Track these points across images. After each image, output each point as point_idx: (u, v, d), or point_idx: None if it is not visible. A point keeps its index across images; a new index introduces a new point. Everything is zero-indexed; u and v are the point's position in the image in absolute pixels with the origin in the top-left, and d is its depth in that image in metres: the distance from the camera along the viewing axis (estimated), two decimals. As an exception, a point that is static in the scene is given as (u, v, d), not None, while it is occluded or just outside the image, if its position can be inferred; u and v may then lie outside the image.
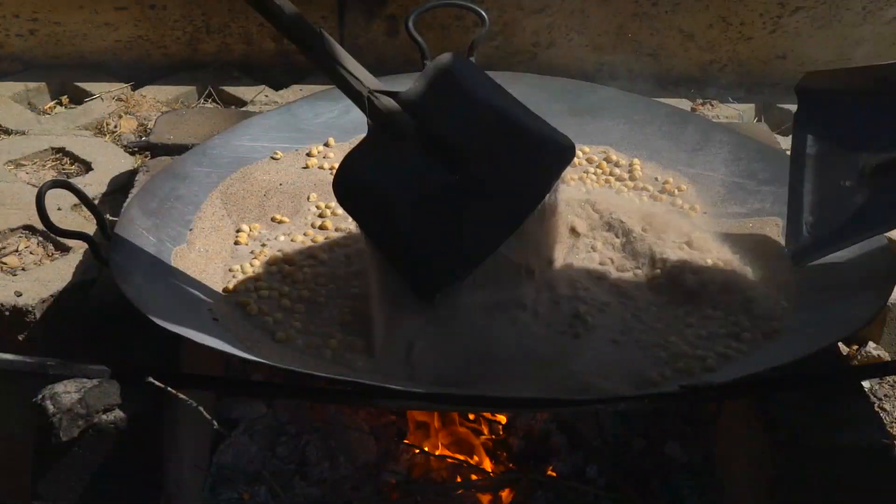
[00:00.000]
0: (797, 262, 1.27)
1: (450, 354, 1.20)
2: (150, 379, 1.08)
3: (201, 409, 1.15)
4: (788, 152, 1.45)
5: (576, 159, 1.63)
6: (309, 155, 1.62)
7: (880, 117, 1.17)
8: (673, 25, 2.22)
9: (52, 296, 1.50)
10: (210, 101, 2.18)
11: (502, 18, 2.18)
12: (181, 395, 1.12)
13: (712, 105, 2.22)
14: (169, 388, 1.09)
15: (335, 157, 1.62)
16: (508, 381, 1.16)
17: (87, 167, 1.86)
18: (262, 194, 1.53)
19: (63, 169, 1.88)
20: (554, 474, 1.46)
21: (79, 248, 1.59)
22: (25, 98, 2.15)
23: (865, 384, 1.53)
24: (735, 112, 2.21)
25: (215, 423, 1.18)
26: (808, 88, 1.24)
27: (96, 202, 1.63)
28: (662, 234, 1.43)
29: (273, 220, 1.52)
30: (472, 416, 1.53)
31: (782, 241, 1.41)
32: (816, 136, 1.23)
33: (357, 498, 1.41)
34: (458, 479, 1.46)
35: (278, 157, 1.59)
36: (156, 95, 2.15)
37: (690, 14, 2.20)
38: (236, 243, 1.46)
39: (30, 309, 1.48)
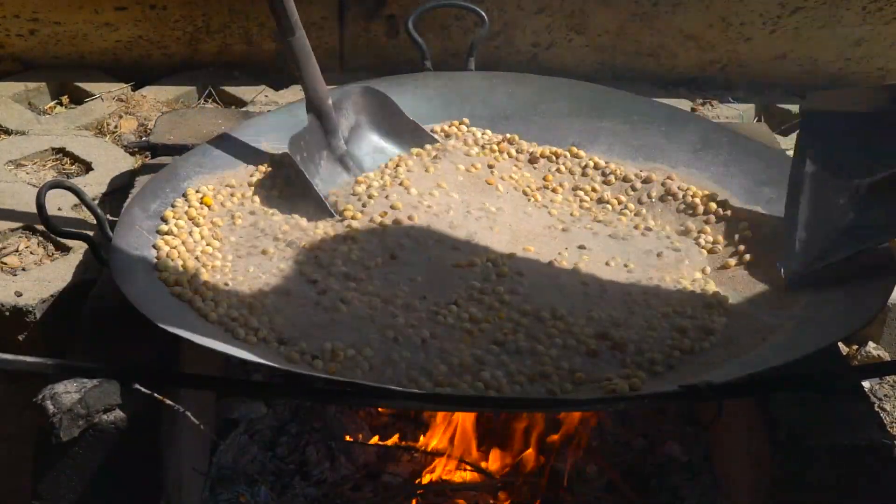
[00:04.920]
0: (790, 280, 1.27)
1: None
2: (137, 385, 1.08)
3: (189, 414, 1.15)
4: (789, 153, 1.45)
5: (574, 163, 1.64)
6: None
7: (879, 137, 1.17)
8: (673, 25, 2.22)
9: (52, 296, 1.50)
10: (210, 101, 2.18)
11: (502, 18, 2.18)
12: (171, 402, 1.12)
13: (712, 105, 2.22)
14: (155, 395, 1.09)
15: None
16: None
17: (87, 167, 1.86)
18: (262, 196, 1.53)
19: (63, 169, 1.88)
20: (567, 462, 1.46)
21: (79, 248, 1.59)
22: (26, 98, 2.15)
23: (865, 384, 1.53)
24: (735, 112, 2.21)
25: (205, 428, 1.18)
26: (812, 109, 1.24)
27: (96, 202, 1.63)
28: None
29: (273, 220, 1.51)
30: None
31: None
32: (816, 157, 1.22)
33: (357, 499, 1.41)
34: (458, 480, 1.46)
35: (278, 157, 1.59)
36: (156, 95, 2.15)
37: (690, 14, 2.20)
38: (237, 243, 1.46)
39: (30, 309, 1.48)
